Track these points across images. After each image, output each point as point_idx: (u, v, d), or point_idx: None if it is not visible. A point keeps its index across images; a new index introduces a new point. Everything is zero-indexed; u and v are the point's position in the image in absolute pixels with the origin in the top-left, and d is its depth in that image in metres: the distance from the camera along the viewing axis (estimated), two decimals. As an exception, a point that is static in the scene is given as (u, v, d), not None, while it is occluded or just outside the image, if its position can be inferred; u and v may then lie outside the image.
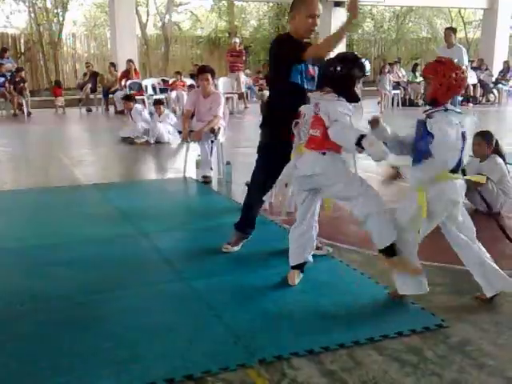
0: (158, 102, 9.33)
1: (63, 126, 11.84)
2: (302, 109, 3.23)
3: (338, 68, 3.07)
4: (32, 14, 19.72)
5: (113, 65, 14.04)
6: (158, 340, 2.68)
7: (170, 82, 13.63)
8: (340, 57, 3.15)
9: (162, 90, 13.48)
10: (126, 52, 13.80)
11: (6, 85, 12.87)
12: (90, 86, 13.93)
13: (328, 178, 3.06)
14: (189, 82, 13.49)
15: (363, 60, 3.13)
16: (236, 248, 3.89)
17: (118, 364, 2.47)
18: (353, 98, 3.11)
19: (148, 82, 13.78)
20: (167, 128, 8.77)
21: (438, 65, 2.89)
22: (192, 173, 6.37)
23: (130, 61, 13.31)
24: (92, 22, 24.24)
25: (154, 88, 13.56)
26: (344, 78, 3.08)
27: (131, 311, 3.02)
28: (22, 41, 18.24)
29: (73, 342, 2.67)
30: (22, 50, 17.99)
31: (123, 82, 13.17)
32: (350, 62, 3.09)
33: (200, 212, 5.11)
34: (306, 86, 3.48)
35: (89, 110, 13.77)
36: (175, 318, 2.93)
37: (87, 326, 2.83)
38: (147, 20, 21.96)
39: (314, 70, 3.53)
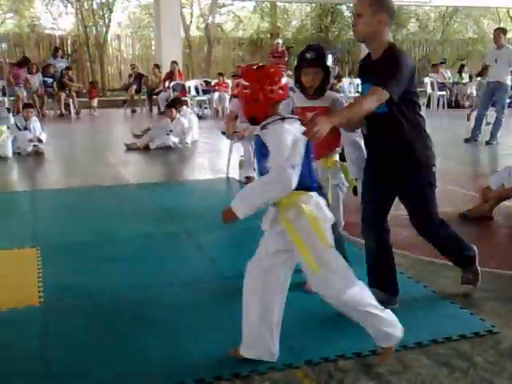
0: (170, 105, 8.81)
1: (108, 126, 12.08)
2: None
3: None
4: (79, 16, 20.22)
5: (157, 66, 14.26)
6: (204, 337, 2.71)
7: (213, 83, 13.75)
8: None
9: (205, 92, 13.61)
10: (170, 53, 14.00)
11: (54, 85, 13.25)
12: (134, 87, 14.19)
13: None
14: (231, 83, 13.60)
15: (305, 50, 3.12)
16: None
17: (165, 360, 2.51)
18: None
19: (191, 84, 13.94)
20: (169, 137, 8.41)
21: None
22: (235, 173, 6.40)
23: (173, 62, 13.50)
24: (136, 23, 24.66)
25: (196, 89, 13.70)
26: None
27: (178, 308, 3.07)
28: (69, 42, 18.71)
29: (122, 337, 2.73)
30: (69, 52, 18.45)
31: (167, 84, 13.36)
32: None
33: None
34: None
35: (133, 111, 14.02)
36: (220, 317, 2.95)
37: (135, 322, 2.89)
38: (191, 22, 22.21)
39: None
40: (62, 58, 14.59)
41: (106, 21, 19.97)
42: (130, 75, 14.99)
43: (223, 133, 6.34)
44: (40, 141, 7.98)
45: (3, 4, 23.11)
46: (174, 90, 13.03)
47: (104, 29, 19.85)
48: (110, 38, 19.83)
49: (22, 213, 4.94)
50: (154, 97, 13.82)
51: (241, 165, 6.31)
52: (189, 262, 3.82)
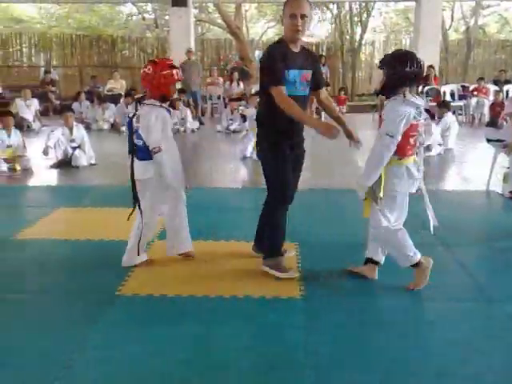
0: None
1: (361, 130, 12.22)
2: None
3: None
4: (337, 22, 20.91)
5: (411, 71, 13.98)
6: (466, 358, 2.57)
7: (471, 88, 12.95)
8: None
9: (461, 97, 12.89)
10: (427, 57, 13.53)
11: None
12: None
13: None
14: (492, 88, 12.68)
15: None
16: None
17: (424, 375, 2.44)
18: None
19: (447, 88, 13.34)
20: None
21: (151, 65, 3.54)
22: (497, 187, 5.91)
23: (430, 66, 13.07)
24: (390, 28, 24.55)
25: (452, 94, 13.05)
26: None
27: (438, 324, 2.95)
28: (324, 48, 19.45)
29: (382, 346, 2.71)
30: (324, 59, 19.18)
31: (420, 88, 12.98)
32: None
33: (508, 230, 4.68)
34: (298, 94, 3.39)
35: (380, 116, 13.98)
36: (483, 341, 2.76)
37: (395, 332, 2.86)
38: (450, 25, 21.27)
39: (307, 74, 3.45)
40: (323, 65, 15.13)
41: (363, 27, 20.27)
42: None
43: (488, 140, 5.88)
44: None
45: (268, 14, 25.14)
46: (427, 95, 12.60)
47: (358, 34, 20.21)
48: (364, 43, 20.10)
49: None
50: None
51: (505, 178, 5.79)
52: (447, 276, 3.63)
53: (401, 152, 3.18)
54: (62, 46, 18.96)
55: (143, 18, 24.85)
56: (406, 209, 3.42)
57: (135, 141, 3.56)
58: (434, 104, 11.46)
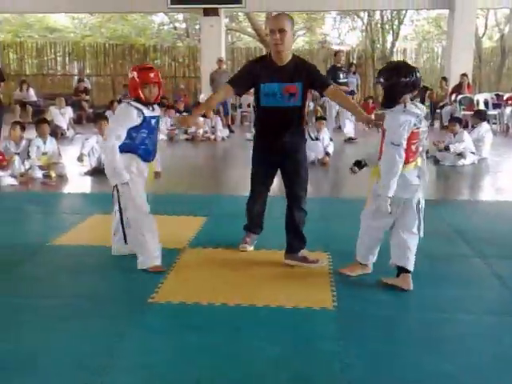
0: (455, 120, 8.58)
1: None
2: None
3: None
4: (368, 30, 20.82)
5: (444, 79, 13.81)
6: (503, 374, 2.51)
7: (506, 97, 12.72)
8: None
9: (495, 106, 12.67)
10: (460, 66, 13.43)
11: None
12: (418, 100, 13.98)
13: None
14: (527, 97, 12.44)
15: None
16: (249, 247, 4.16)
17: None
18: None
19: (480, 97, 13.13)
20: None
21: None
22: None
23: (463, 75, 12.91)
24: (422, 36, 24.34)
25: (485, 103, 12.84)
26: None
27: (475, 338, 2.87)
28: (355, 56, 19.36)
29: (416, 359, 2.66)
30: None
31: (453, 97, 12.83)
32: None
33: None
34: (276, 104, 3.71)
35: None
36: None
37: (429, 345, 2.79)
38: (484, 33, 21.00)
39: (291, 87, 3.63)
40: (354, 73, 14.92)
41: (394, 35, 20.15)
42: (414, 89, 14.80)
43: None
44: (327, 153, 8.30)
45: (298, 22, 25.19)
46: (460, 104, 12.44)
47: (390, 42, 20.09)
48: (396, 50, 19.96)
49: (315, 219, 5.15)
50: (437, 111, 13.39)
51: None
52: (485, 289, 3.55)
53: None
54: (95, 55, 19.31)
55: (174, 28, 25.20)
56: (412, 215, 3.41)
57: None
58: (468, 113, 11.33)
